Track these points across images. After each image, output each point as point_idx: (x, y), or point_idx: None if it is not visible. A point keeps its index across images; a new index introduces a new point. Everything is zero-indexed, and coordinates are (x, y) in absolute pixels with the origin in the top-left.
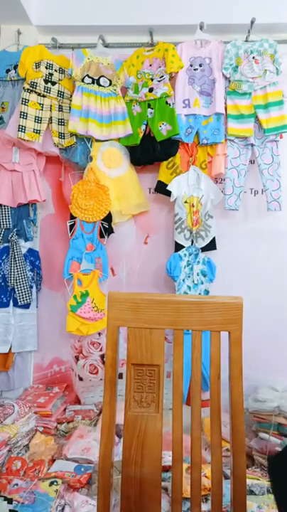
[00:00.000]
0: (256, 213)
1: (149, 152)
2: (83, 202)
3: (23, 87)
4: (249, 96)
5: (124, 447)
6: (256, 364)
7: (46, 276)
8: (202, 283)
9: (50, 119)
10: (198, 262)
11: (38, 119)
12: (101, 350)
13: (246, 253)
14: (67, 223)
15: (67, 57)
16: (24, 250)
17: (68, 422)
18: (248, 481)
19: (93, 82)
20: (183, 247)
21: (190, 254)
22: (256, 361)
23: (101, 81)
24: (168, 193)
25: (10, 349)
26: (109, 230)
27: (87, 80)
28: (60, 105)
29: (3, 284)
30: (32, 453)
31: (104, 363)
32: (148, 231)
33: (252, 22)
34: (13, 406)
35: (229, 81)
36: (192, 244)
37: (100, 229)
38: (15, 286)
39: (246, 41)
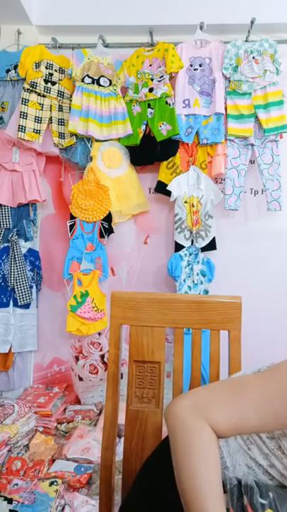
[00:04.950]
0: (256, 213)
1: (149, 152)
2: (83, 202)
3: (23, 87)
4: (249, 96)
5: (125, 441)
6: (255, 363)
7: (46, 276)
8: (202, 283)
9: (50, 119)
10: (198, 262)
11: (38, 119)
12: (101, 350)
13: (246, 253)
14: (67, 223)
15: (67, 57)
16: (24, 250)
17: (68, 422)
18: None
19: (93, 82)
20: (183, 247)
21: (190, 254)
22: (255, 360)
23: (101, 81)
24: (168, 193)
25: (10, 349)
26: (109, 230)
27: (87, 79)
28: (60, 105)
29: (3, 284)
30: (32, 453)
31: (104, 363)
32: (148, 231)
33: (252, 22)
34: (13, 406)
35: (229, 81)
36: (192, 244)
37: (100, 229)
38: (15, 286)
39: (246, 41)
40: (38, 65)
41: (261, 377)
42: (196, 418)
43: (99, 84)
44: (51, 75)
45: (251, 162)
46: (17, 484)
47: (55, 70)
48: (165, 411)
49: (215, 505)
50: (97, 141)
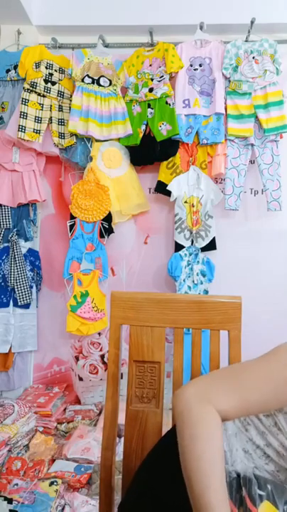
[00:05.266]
0: (256, 213)
1: (149, 152)
2: (83, 202)
3: (23, 87)
4: (249, 96)
5: (125, 441)
6: None
7: (46, 276)
8: (202, 283)
9: (50, 119)
10: (198, 262)
11: (38, 119)
12: (101, 350)
13: (246, 253)
14: (67, 223)
15: (67, 57)
16: (24, 250)
17: (68, 422)
18: None
19: (93, 82)
20: (183, 247)
21: (190, 254)
22: None
23: (101, 81)
24: (168, 193)
25: (10, 349)
26: (109, 230)
27: (87, 79)
28: (60, 105)
29: (3, 284)
30: (32, 453)
31: (104, 363)
32: (148, 231)
33: (252, 22)
34: (13, 406)
35: (229, 81)
36: (192, 244)
37: (100, 229)
38: (15, 286)
39: (246, 41)
40: (38, 65)
41: (260, 359)
42: (202, 403)
43: (99, 84)
44: (51, 75)
45: (251, 162)
46: (17, 484)
47: (55, 70)
48: (173, 397)
49: (217, 485)
50: (97, 141)
